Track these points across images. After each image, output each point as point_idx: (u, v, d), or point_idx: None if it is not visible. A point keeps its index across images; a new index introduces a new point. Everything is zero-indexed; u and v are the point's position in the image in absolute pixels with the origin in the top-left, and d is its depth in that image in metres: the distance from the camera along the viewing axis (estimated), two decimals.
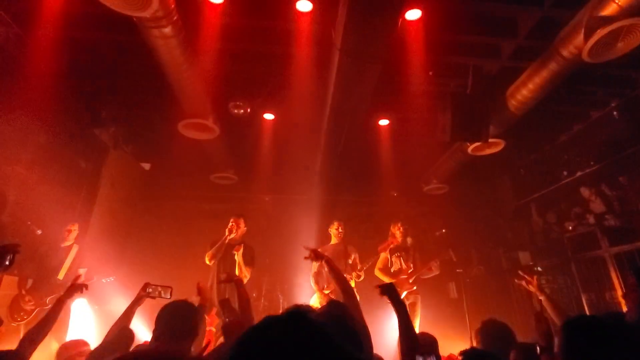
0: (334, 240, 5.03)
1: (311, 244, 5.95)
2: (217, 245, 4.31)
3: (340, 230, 4.97)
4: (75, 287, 2.39)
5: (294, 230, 6.40)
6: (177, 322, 1.92)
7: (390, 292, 2.09)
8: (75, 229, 4.30)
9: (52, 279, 3.98)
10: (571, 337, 1.24)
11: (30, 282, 3.94)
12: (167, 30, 3.22)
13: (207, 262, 4.34)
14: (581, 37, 3.19)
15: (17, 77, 3.66)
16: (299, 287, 5.83)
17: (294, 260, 6.05)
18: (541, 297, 2.48)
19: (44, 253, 4.09)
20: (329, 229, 5.10)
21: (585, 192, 5.52)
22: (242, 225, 4.53)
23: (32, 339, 1.95)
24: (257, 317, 4.71)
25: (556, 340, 1.28)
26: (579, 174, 5.54)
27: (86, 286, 2.39)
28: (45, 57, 3.70)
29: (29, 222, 4.08)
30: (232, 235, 4.34)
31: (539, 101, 4.20)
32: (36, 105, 3.89)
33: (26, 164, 4.15)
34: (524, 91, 4.11)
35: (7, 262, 1.72)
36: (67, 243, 4.23)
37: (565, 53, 3.48)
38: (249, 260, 4.34)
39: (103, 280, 4.09)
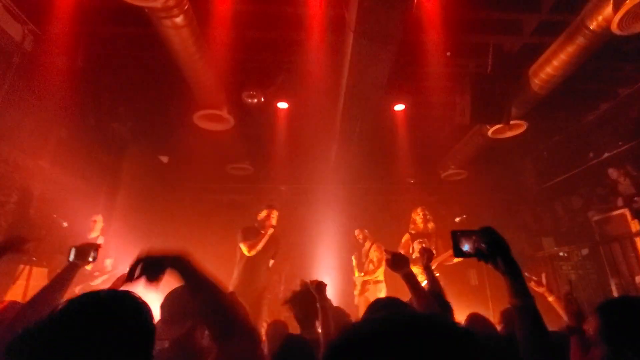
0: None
1: (329, 232, 5.97)
2: (262, 240, 4.28)
3: (362, 237, 5.21)
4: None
5: (311, 219, 6.39)
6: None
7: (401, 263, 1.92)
8: (99, 219, 4.40)
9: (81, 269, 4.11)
10: (611, 317, 1.19)
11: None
12: (179, 20, 3.21)
13: (246, 253, 4.25)
14: (610, 8, 3.05)
15: (35, 73, 3.73)
16: (318, 276, 5.84)
17: (312, 249, 6.07)
18: (550, 299, 2.37)
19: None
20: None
21: (613, 173, 5.30)
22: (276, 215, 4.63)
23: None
24: (277, 302, 4.68)
25: (593, 324, 1.23)
26: (606, 155, 5.31)
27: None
28: (62, 52, 3.77)
29: (54, 215, 4.21)
30: (271, 231, 4.34)
31: (564, 79, 4.00)
32: (56, 101, 3.97)
33: (49, 159, 4.27)
34: (548, 69, 3.91)
35: (90, 259, 1.78)
36: (93, 235, 4.34)
37: (592, 26, 3.29)
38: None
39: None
